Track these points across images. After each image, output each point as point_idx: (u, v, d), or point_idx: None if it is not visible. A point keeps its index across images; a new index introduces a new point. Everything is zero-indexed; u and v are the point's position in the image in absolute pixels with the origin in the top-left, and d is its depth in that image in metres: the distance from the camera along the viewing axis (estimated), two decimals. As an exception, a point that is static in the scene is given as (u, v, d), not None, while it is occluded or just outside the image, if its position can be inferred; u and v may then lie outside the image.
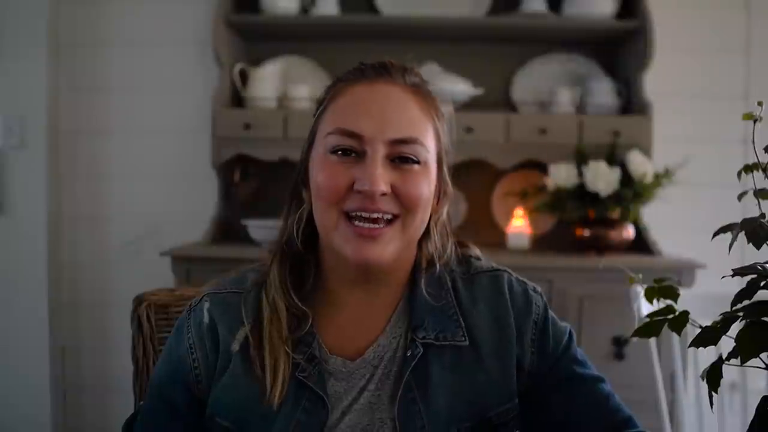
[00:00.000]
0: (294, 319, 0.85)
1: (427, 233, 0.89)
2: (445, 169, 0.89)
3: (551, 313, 0.92)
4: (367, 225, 0.81)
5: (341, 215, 0.82)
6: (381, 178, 0.79)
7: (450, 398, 0.84)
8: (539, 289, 0.93)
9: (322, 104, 0.88)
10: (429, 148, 0.84)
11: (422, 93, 0.86)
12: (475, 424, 0.84)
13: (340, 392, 0.85)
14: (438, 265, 0.90)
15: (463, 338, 0.86)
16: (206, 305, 0.89)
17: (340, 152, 0.82)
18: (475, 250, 0.97)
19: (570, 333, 0.92)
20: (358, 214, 0.81)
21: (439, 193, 0.89)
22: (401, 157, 0.82)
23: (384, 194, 0.80)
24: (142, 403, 0.94)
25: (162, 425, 0.87)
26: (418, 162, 0.82)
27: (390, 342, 0.87)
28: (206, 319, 0.87)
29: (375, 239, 0.81)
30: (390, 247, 0.82)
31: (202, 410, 0.87)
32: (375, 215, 0.81)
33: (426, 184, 0.83)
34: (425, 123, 0.85)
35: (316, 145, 0.86)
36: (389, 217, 0.82)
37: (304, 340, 0.85)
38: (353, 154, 0.81)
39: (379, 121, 0.81)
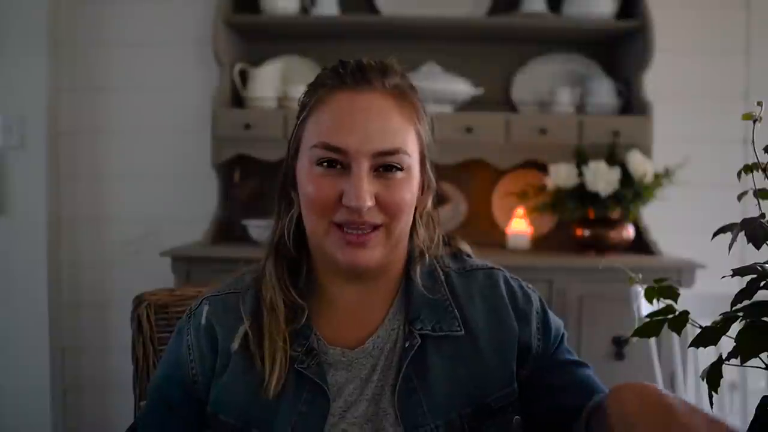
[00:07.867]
0: (291, 313, 0.88)
1: (414, 226, 0.92)
2: (428, 164, 0.91)
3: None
4: (355, 232, 0.84)
5: (331, 224, 0.85)
6: (367, 193, 0.82)
7: (449, 386, 0.86)
8: (531, 286, 0.97)
9: (304, 110, 0.89)
10: (411, 153, 0.86)
11: (402, 96, 0.87)
12: (474, 410, 0.86)
13: (342, 381, 0.87)
14: (427, 256, 0.93)
15: (459, 329, 0.89)
16: (205, 309, 0.91)
17: (325, 164, 0.84)
18: (465, 246, 1.00)
19: (563, 325, 0.96)
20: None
21: (423, 187, 0.91)
22: (385, 166, 0.84)
23: (370, 207, 0.82)
24: (142, 403, 0.95)
25: (160, 423, 0.90)
26: (401, 169, 0.85)
27: (389, 334, 0.90)
28: (204, 320, 0.90)
29: (364, 245, 0.84)
30: (377, 252, 0.85)
31: (200, 409, 0.89)
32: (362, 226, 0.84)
33: (408, 189, 0.86)
34: (407, 128, 0.86)
35: (301, 153, 0.88)
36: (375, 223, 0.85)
37: (302, 333, 0.87)
38: (338, 166, 0.84)
39: (362, 134, 0.83)
